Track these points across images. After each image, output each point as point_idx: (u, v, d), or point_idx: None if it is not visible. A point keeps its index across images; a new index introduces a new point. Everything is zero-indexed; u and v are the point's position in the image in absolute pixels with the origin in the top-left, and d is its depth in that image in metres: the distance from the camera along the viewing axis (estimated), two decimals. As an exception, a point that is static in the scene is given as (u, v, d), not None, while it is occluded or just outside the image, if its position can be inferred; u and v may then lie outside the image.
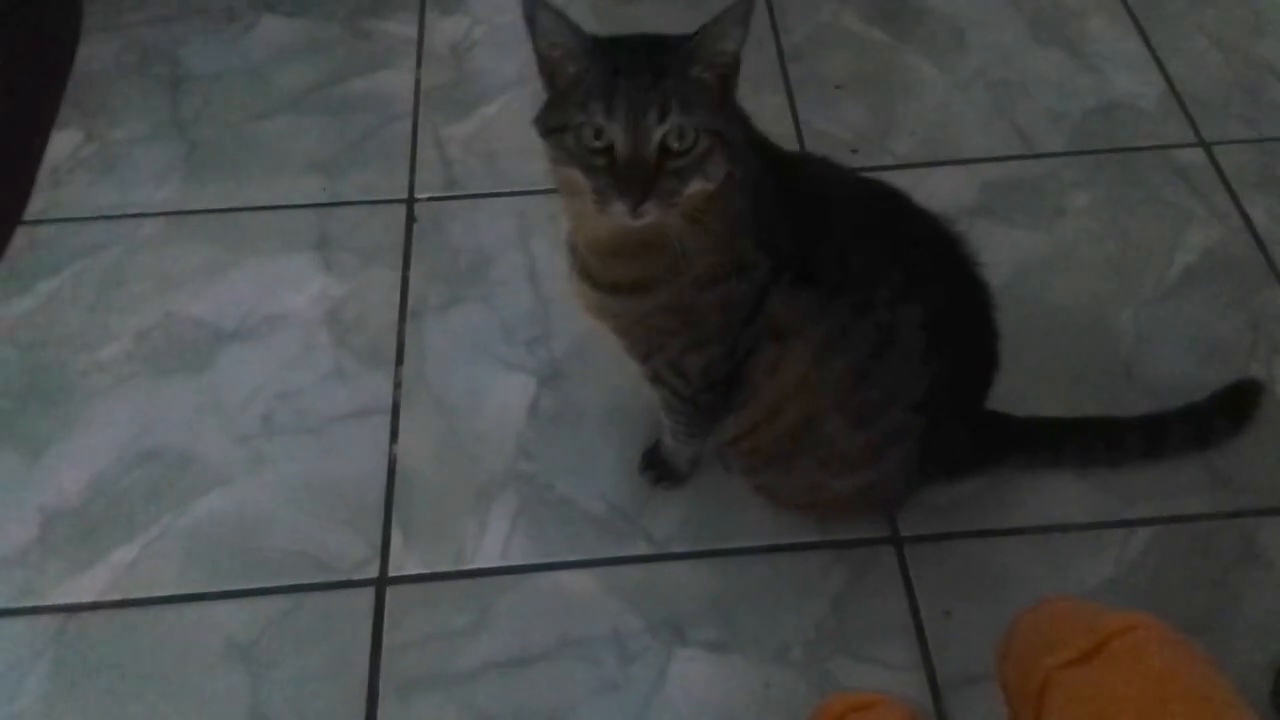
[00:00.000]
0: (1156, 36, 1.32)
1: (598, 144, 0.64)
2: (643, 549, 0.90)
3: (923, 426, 0.78)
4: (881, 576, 0.88)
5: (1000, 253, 1.09)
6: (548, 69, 0.67)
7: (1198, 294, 1.06)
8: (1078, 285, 1.07)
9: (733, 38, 0.64)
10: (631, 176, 0.63)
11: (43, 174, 1.16)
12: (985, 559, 0.88)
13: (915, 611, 0.86)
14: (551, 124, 0.66)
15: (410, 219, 1.14)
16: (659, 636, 0.85)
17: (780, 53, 1.32)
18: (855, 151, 1.20)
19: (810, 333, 0.74)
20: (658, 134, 0.63)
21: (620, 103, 0.63)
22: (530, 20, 0.65)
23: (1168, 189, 1.16)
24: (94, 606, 0.86)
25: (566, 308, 0.82)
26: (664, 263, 0.71)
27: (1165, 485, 0.92)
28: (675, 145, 0.64)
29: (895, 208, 0.79)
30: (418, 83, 1.28)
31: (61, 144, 1.19)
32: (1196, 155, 1.19)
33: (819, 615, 0.86)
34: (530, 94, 1.32)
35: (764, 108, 1.25)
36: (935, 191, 1.16)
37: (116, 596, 0.86)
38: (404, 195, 1.16)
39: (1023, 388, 0.97)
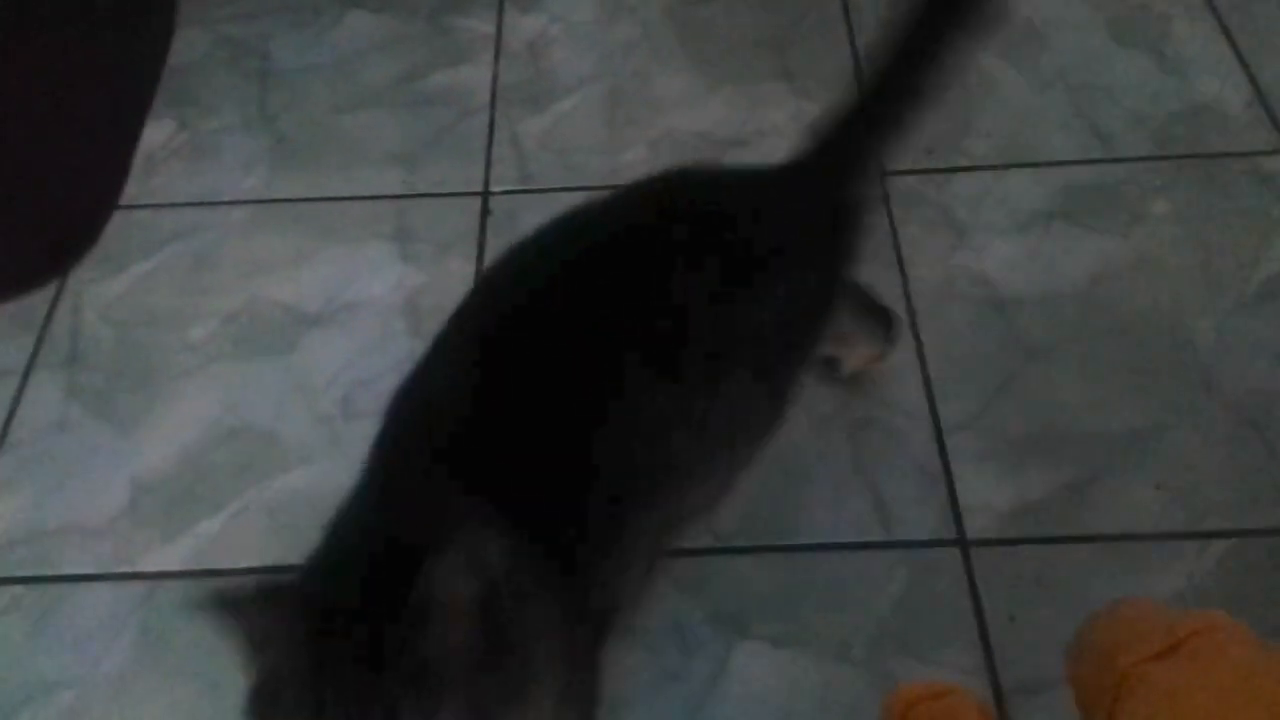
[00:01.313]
0: (1244, 40, 1.29)
1: None
2: (705, 542, 0.91)
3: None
4: (946, 579, 0.88)
5: (1077, 257, 1.08)
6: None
7: (1282, 305, 1.03)
8: (1156, 293, 1.05)
9: (469, 583, 0.45)
10: None
11: (138, 161, 1.21)
12: (1052, 566, 0.88)
13: (979, 615, 0.85)
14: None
15: (485, 212, 1.16)
16: (720, 629, 0.85)
17: (854, 50, 1.32)
18: (930, 152, 1.19)
19: None
20: None
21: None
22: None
23: (1253, 197, 1.13)
24: (180, 574, 0.89)
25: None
26: None
27: (1240, 498, 0.90)
28: None
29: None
30: (495, 79, 1.30)
31: (156, 133, 1.24)
32: (1285, 163, 1.16)
33: (882, 615, 0.86)
34: (605, 91, 1.35)
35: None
36: (1010, 194, 1.15)
37: (201, 566, 0.90)
38: (480, 188, 1.19)
39: (1094, 395, 0.96)
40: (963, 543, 0.89)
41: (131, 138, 1.22)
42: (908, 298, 1.05)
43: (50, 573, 0.90)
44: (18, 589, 0.89)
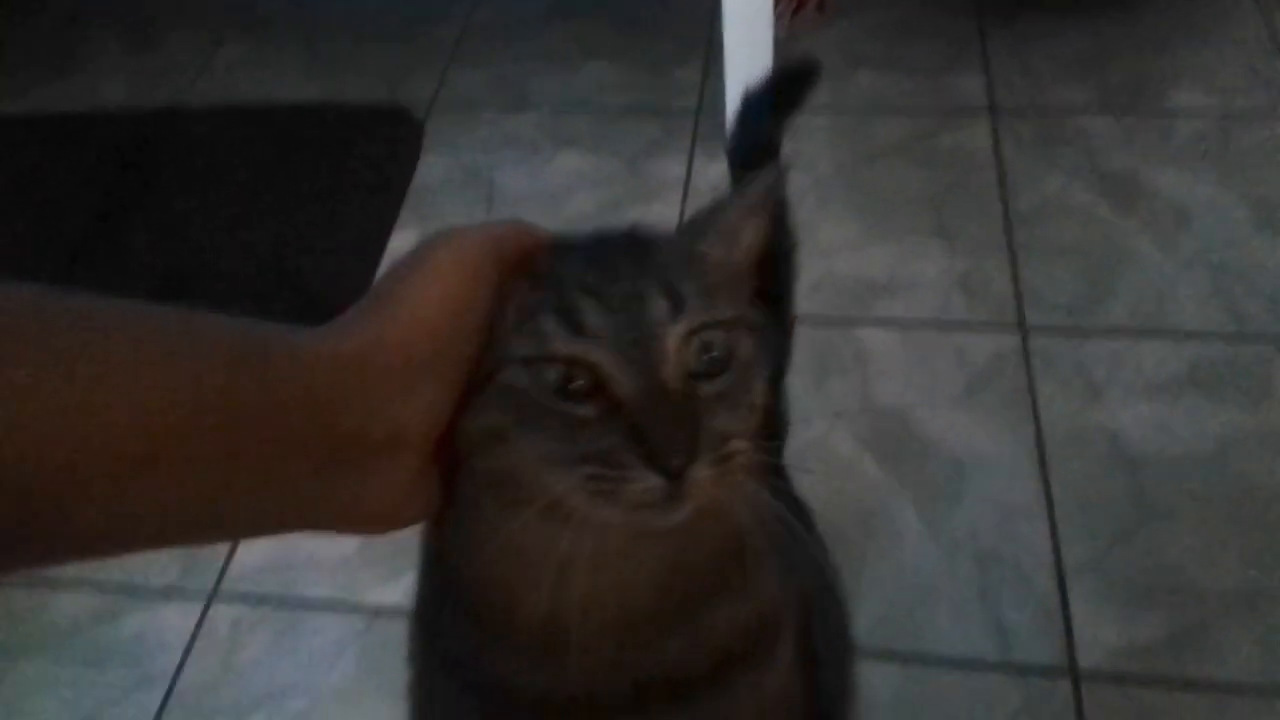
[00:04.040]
0: (1389, 234, 1.37)
1: (570, 387, 0.37)
2: (838, 643, 1.03)
3: None
4: (1057, 705, 0.97)
5: (1204, 426, 1.18)
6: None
7: (1405, 490, 1.10)
8: (1277, 466, 1.13)
9: (751, 226, 0.43)
10: (663, 419, 0.35)
11: (384, 263, 1.46)
12: (1158, 706, 0.96)
13: (1085, 742, 0.94)
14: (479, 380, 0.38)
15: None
16: (845, 722, 0.97)
17: (1006, 216, 1.46)
18: (1071, 314, 1.32)
19: None
20: (673, 338, 0.37)
21: (596, 308, 0.37)
22: None
23: (1384, 384, 1.20)
24: (394, 611, 1.08)
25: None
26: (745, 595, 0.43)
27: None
28: (705, 356, 0.38)
29: None
30: (681, 217, 1.50)
31: (400, 241, 1.49)
32: None
33: (993, 730, 0.96)
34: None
35: (986, 267, 1.39)
36: (1145, 360, 1.26)
37: (412, 607, 1.08)
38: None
39: (1211, 555, 1.05)
40: (1074, 674, 0.99)
41: (381, 244, 1.47)
42: (1040, 448, 1.17)
43: (292, 595, 1.10)
44: (267, 608, 1.09)
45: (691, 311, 0.38)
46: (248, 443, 0.34)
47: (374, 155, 1.61)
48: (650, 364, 0.37)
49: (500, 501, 0.38)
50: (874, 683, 1.00)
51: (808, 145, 1.58)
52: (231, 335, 0.35)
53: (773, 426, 0.55)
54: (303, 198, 1.53)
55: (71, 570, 1.13)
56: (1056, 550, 1.08)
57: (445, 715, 0.48)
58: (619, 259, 0.40)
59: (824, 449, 1.20)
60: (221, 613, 1.08)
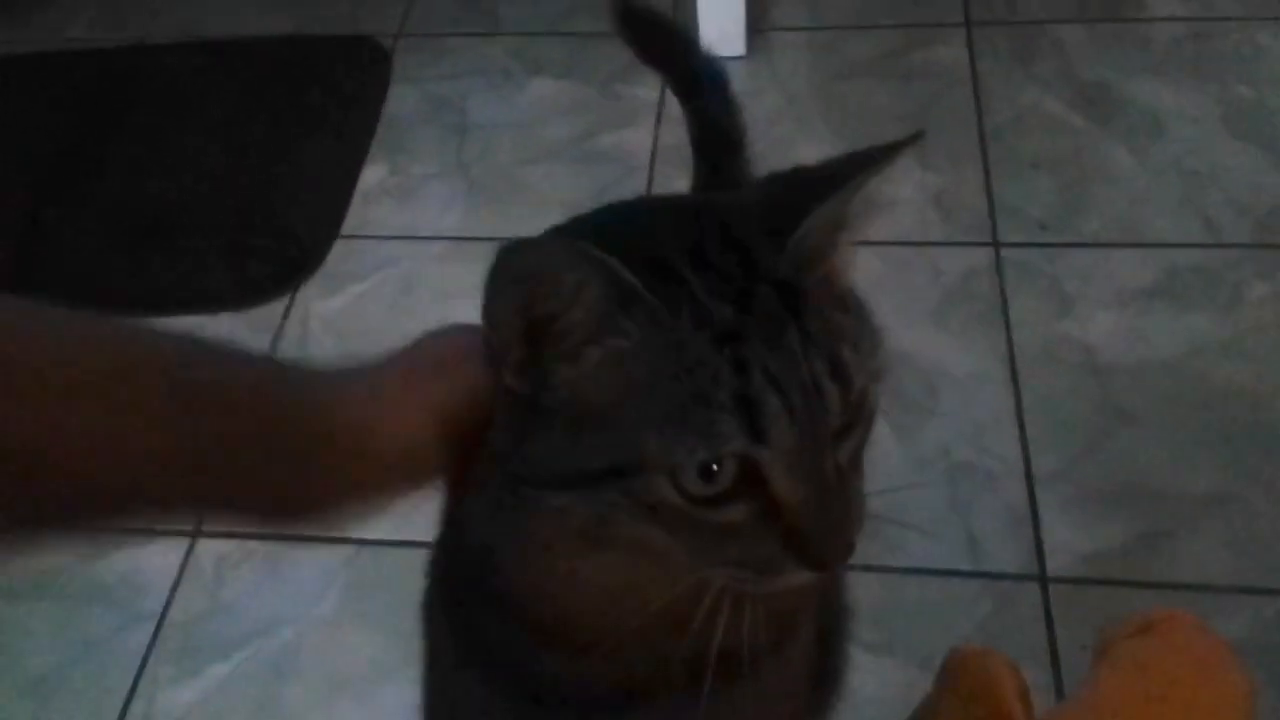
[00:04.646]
0: (1361, 138, 1.36)
1: (716, 487, 0.33)
2: (814, 558, 1.05)
3: None
4: (1026, 609, 1.00)
5: (1173, 333, 1.19)
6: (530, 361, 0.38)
7: (1370, 390, 1.11)
8: (1245, 371, 1.14)
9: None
10: (823, 522, 0.34)
11: (356, 198, 1.45)
12: (1124, 606, 0.98)
13: (1053, 643, 0.97)
14: (580, 466, 0.36)
15: (640, 258, 1.34)
16: (822, 632, 1.00)
17: (981, 131, 1.45)
18: (1045, 228, 1.32)
19: None
20: (836, 421, 0.35)
21: (780, 408, 0.33)
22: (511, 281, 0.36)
23: (1352, 288, 1.21)
24: (377, 542, 1.09)
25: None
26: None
27: (1310, 563, 0.99)
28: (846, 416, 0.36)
29: None
30: (655, 141, 1.49)
31: (371, 175, 1.47)
32: (1388, 257, 1.23)
33: (965, 635, 0.98)
34: (751, 155, 1.52)
35: (961, 182, 1.38)
36: (1117, 271, 1.26)
37: (396, 537, 1.09)
38: (636, 237, 1.37)
39: (1177, 459, 1.06)
40: (1043, 579, 1.01)
41: (351, 178, 1.46)
42: (1012, 359, 1.18)
43: (289, 532, 1.11)
44: (251, 543, 1.11)
45: (854, 386, 0.35)
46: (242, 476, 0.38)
47: (342, 88, 1.58)
48: (817, 462, 0.34)
49: (584, 545, 0.36)
50: (853, 590, 1.02)
51: (783, 63, 1.56)
52: (235, 368, 0.38)
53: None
54: (271, 133, 1.51)
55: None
56: (1027, 460, 1.10)
57: (463, 696, 0.49)
58: (771, 306, 0.35)
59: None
60: (206, 549, 1.09)
